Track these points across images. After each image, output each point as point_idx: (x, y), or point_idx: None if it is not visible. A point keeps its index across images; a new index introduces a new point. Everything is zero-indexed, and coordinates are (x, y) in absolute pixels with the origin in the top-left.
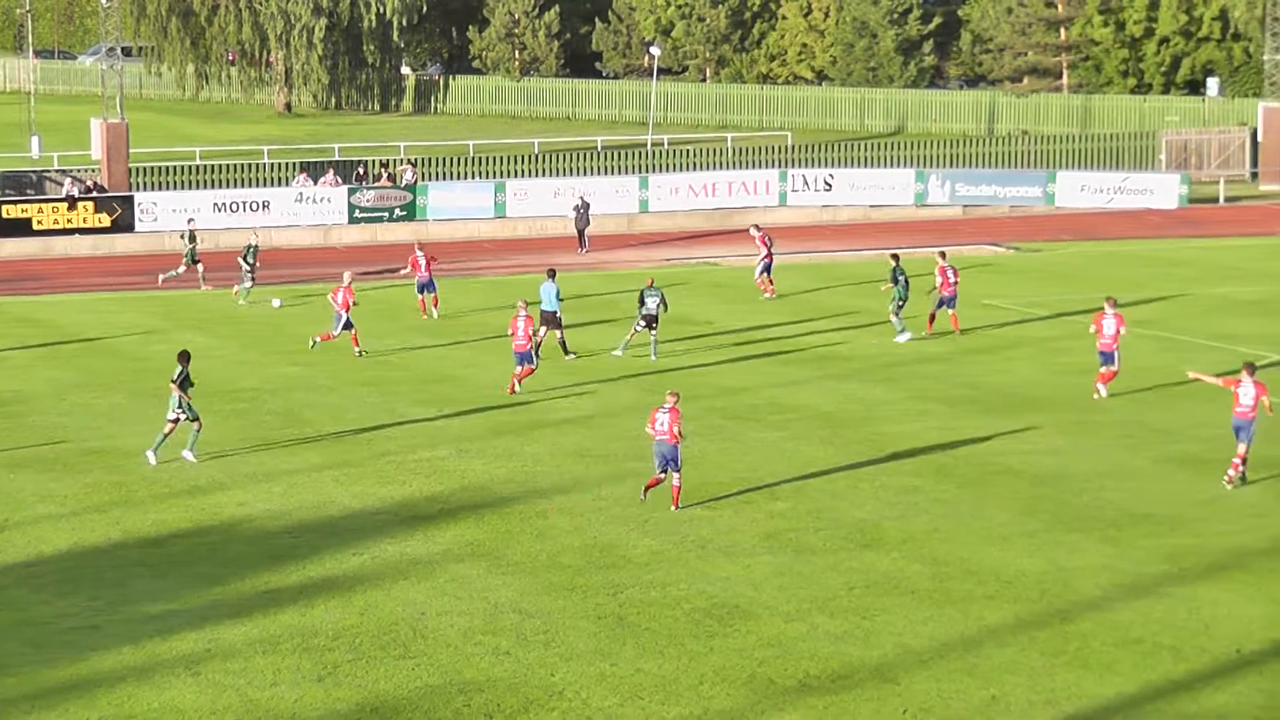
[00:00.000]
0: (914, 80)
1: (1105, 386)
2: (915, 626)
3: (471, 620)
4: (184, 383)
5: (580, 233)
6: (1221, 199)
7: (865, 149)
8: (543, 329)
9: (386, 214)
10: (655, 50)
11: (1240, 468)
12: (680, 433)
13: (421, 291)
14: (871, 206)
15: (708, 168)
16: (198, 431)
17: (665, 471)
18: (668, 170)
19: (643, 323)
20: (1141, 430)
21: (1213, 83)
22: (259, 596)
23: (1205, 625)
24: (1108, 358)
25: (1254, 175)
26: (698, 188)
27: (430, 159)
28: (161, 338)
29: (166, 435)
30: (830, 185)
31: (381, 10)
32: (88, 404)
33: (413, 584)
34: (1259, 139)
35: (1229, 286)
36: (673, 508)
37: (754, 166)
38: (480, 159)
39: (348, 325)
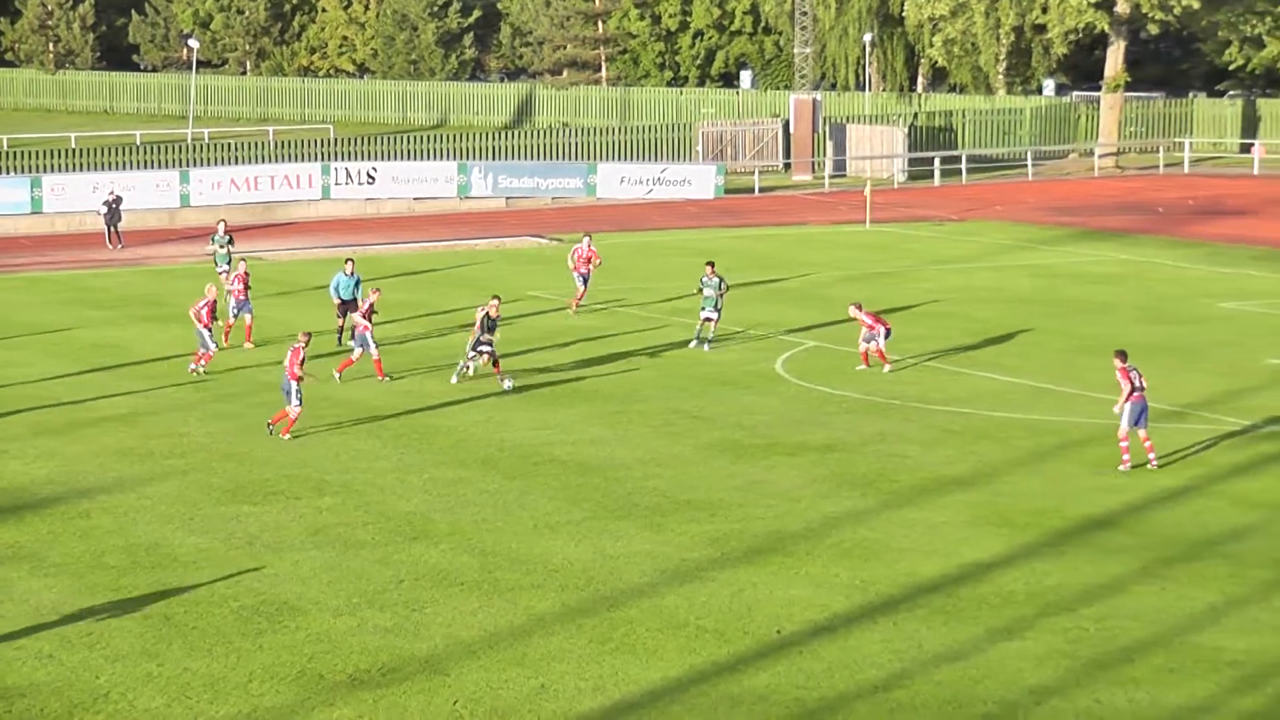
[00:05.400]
0: (455, 73)
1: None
2: (464, 617)
3: (13, 625)
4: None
5: (112, 228)
6: (757, 189)
7: (408, 142)
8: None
9: None
10: (193, 43)
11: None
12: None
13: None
14: (415, 199)
15: (250, 161)
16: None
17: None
18: (209, 164)
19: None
20: (681, 418)
21: (746, 75)
22: None
23: (747, 608)
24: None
25: (787, 166)
26: (240, 181)
27: None
28: None
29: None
30: (373, 178)
31: None
32: None
33: None
34: (791, 130)
35: (761, 274)
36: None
37: (296, 160)
38: (15, 154)
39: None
